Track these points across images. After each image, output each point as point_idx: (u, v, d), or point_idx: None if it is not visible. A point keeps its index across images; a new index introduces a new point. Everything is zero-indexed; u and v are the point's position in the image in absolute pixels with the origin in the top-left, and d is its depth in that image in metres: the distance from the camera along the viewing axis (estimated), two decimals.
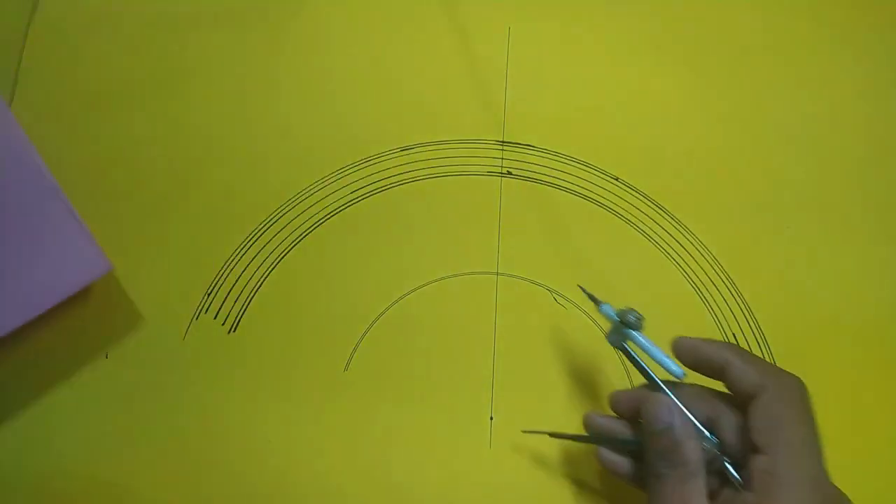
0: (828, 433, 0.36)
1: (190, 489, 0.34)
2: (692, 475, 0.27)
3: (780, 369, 0.28)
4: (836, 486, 0.27)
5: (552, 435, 0.33)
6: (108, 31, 0.43)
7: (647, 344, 0.30)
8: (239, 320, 0.37)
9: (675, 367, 0.29)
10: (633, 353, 0.31)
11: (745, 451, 0.27)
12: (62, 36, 0.43)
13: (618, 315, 0.31)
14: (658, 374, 0.30)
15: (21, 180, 0.35)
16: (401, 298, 0.38)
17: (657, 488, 0.28)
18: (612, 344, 0.31)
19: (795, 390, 0.27)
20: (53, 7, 0.44)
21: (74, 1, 0.44)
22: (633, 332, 0.30)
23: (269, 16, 0.44)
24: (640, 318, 0.30)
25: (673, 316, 0.38)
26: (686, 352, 0.29)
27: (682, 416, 0.28)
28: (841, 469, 0.36)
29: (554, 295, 0.38)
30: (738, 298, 0.39)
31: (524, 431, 0.34)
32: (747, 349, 0.37)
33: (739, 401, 0.28)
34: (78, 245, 0.35)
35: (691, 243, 0.40)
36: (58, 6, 0.44)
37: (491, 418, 0.36)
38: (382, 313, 0.38)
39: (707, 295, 0.39)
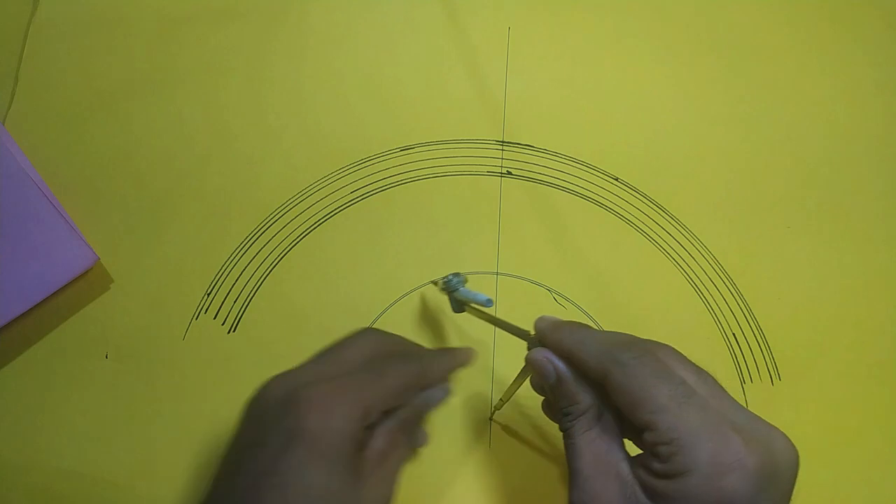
0: (827, 433, 0.36)
1: (190, 489, 0.34)
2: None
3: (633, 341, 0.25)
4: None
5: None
6: (108, 31, 0.43)
7: (470, 294, 0.33)
8: (239, 320, 0.37)
9: (484, 297, 0.32)
10: (486, 312, 0.32)
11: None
12: (62, 36, 0.43)
13: (443, 286, 0.34)
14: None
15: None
16: (401, 298, 0.38)
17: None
18: (457, 311, 0.34)
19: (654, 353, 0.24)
20: (53, 7, 0.44)
21: (74, 1, 0.44)
22: (459, 292, 0.33)
23: (269, 16, 0.44)
24: (461, 280, 0.33)
25: (673, 316, 0.38)
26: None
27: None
28: (841, 468, 0.36)
29: (554, 295, 0.38)
30: (738, 298, 0.39)
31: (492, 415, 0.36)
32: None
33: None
34: (62, 238, 0.35)
35: (691, 243, 0.40)
36: (58, 6, 0.44)
37: (490, 419, 0.36)
38: (382, 313, 0.38)
39: (707, 295, 0.39)
